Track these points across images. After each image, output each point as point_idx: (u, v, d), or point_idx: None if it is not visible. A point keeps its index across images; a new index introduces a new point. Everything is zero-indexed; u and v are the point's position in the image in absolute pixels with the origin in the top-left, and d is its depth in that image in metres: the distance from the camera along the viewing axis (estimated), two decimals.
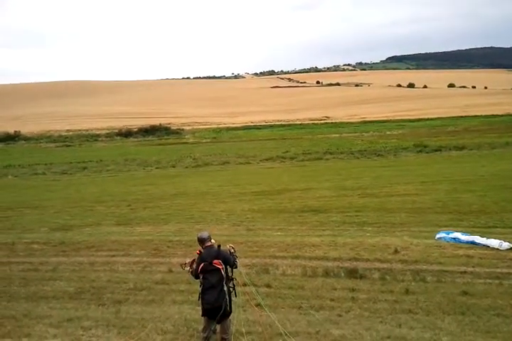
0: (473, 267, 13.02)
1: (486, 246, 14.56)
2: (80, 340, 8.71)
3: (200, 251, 8.36)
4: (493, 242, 14.57)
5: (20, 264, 15.57)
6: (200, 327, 8.60)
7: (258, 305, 9.68)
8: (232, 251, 8.53)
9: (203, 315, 8.28)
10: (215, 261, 8.07)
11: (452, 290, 11.26)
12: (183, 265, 8.69)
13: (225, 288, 8.04)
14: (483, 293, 11.04)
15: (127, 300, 11.59)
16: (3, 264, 15.66)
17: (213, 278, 8.02)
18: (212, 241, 8.50)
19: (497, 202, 21.38)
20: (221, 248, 8.34)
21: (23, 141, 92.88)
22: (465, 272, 12.67)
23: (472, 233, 15.78)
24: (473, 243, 14.92)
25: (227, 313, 8.15)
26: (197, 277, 8.29)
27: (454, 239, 15.34)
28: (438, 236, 15.80)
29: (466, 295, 10.92)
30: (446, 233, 15.84)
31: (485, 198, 22.48)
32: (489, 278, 12.10)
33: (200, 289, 8.18)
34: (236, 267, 8.45)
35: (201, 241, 8.44)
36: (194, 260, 8.39)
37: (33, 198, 31.83)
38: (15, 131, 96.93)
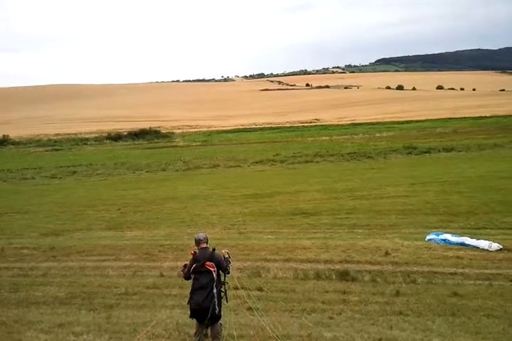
0: (463, 268, 13.10)
1: (476, 248, 14.65)
2: None
3: (194, 251, 8.39)
4: (483, 243, 14.66)
5: (10, 270, 15.48)
6: (192, 332, 8.60)
7: (250, 308, 9.69)
8: (227, 256, 8.57)
9: (190, 317, 8.29)
10: (208, 263, 8.10)
11: (442, 292, 11.33)
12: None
13: (215, 291, 8.05)
14: (473, 294, 11.11)
15: (118, 305, 11.55)
16: None
17: (204, 279, 8.05)
18: (208, 244, 8.54)
19: (486, 203, 21.55)
20: (215, 251, 8.37)
21: (12, 146, 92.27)
22: (455, 273, 12.75)
23: (462, 234, 15.88)
24: (463, 244, 15.01)
25: (216, 317, 8.15)
26: (188, 278, 8.31)
27: (444, 240, 15.43)
28: (428, 237, 15.88)
29: (456, 297, 10.99)
30: (436, 234, 15.93)
31: (474, 199, 22.65)
32: (479, 279, 12.18)
33: (190, 290, 8.22)
34: (228, 273, 8.47)
35: (197, 241, 8.50)
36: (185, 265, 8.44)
37: (23, 203, 31.63)
38: (3, 136, 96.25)
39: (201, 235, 8.62)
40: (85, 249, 17.49)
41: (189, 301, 8.18)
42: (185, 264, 8.52)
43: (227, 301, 8.50)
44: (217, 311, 8.06)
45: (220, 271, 8.29)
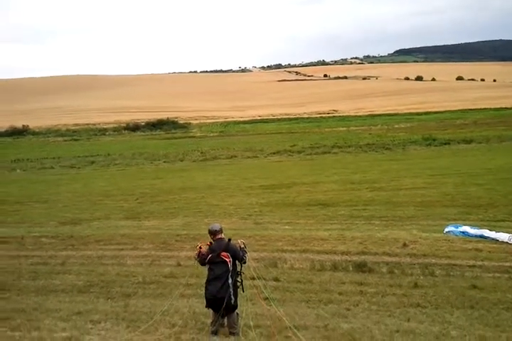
0: (482, 261, 12.96)
1: (495, 240, 14.48)
2: (89, 334, 8.74)
3: (210, 242, 8.38)
4: (503, 236, 14.49)
5: (30, 258, 15.67)
6: (209, 321, 8.62)
7: (266, 298, 9.69)
8: (243, 246, 8.54)
9: (206, 307, 8.33)
10: (224, 253, 8.10)
11: (461, 284, 11.23)
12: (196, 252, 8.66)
13: (230, 281, 8.06)
14: (492, 287, 11.00)
15: (136, 294, 11.64)
16: (13, 258, 15.77)
17: (219, 269, 8.06)
18: (223, 234, 8.52)
19: (505, 195, 21.26)
20: (231, 241, 8.36)
21: (31, 136, 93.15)
22: (474, 266, 12.63)
23: (481, 226, 15.71)
24: (482, 237, 14.85)
25: (232, 307, 8.17)
26: (203, 264, 8.32)
27: (463, 232, 15.27)
28: (447, 229, 15.73)
29: (475, 289, 10.89)
30: (454, 227, 15.77)
31: (493, 191, 22.36)
32: (498, 272, 12.06)
33: (206, 280, 8.24)
34: (245, 262, 8.46)
35: (212, 233, 8.45)
36: (200, 251, 8.39)
37: (42, 192, 31.98)
38: (23, 126, 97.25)
39: (216, 226, 8.56)
40: (103, 238, 17.63)
41: (205, 291, 8.21)
42: (200, 247, 8.47)
43: (243, 291, 8.51)
44: (232, 301, 8.08)
45: (237, 261, 8.28)
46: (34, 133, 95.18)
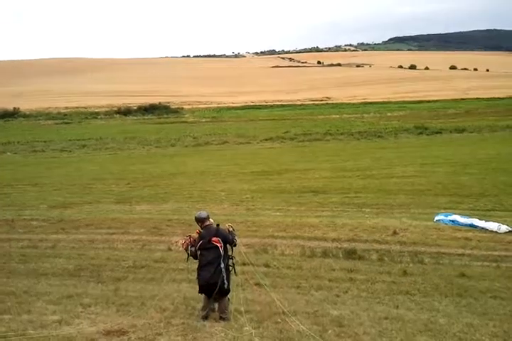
0: (471, 249, 13.09)
1: (485, 229, 14.60)
2: (79, 317, 8.74)
3: (199, 231, 8.37)
4: (492, 225, 14.61)
5: (20, 241, 15.62)
6: (199, 306, 8.65)
7: (257, 284, 9.73)
8: (231, 229, 8.55)
9: (199, 292, 8.36)
10: (214, 238, 8.12)
11: (450, 272, 11.34)
12: (183, 244, 8.67)
13: (222, 266, 8.09)
14: (481, 276, 11.11)
15: (126, 278, 11.65)
16: (3, 241, 15.72)
17: (210, 255, 8.08)
18: (211, 220, 8.51)
19: (496, 185, 21.39)
20: (220, 227, 8.37)
21: (22, 118, 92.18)
22: (463, 254, 12.75)
23: (471, 216, 15.83)
24: (471, 225, 14.96)
25: (224, 291, 8.21)
26: (195, 256, 8.34)
27: (453, 221, 15.37)
28: (437, 218, 15.82)
29: (464, 278, 11.00)
30: (445, 215, 15.86)
31: (484, 181, 22.48)
32: (487, 261, 12.18)
33: (197, 266, 8.25)
34: (235, 245, 8.49)
35: (200, 220, 8.44)
36: (190, 240, 8.40)
37: (32, 175, 31.80)
38: (14, 108, 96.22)
39: (203, 213, 8.54)
40: (94, 222, 17.60)
41: (197, 277, 8.23)
42: (185, 242, 8.48)
43: (236, 274, 8.55)
44: (225, 285, 8.14)
45: (227, 246, 8.30)
46: (25, 116, 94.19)
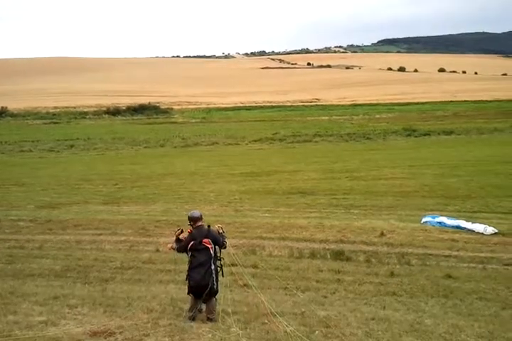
0: (457, 251, 13.18)
1: (471, 231, 14.71)
2: (65, 318, 8.67)
3: (190, 230, 8.36)
4: (478, 227, 14.72)
5: (7, 241, 15.50)
6: (186, 307, 8.63)
7: (244, 285, 9.73)
8: (221, 231, 8.55)
9: (188, 293, 8.34)
10: (205, 240, 8.11)
11: (436, 274, 11.41)
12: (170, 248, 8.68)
13: (213, 267, 8.10)
14: (467, 277, 11.19)
15: (114, 279, 11.60)
16: None
17: (202, 256, 8.07)
18: (203, 220, 8.51)
19: (483, 187, 21.57)
20: (211, 228, 8.37)
21: (10, 118, 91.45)
22: (449, 256, 12.83)
23: (458, 217, 15.95)
24: (458, 227, 15.07)
25: (214, 292, 8.22)
26: (180, 251, 8.33)
27: (440, 223, 15.48)
28: (424, 220, 15.93)
29: (450, 279, 11.07)
30: (432, 217, 15.97)
31: (471, 183, 22.66)
32: (473, 262, 12.27)
33: (188, 267, 8.24)
34: (225, 247, 8.48)
35: (193, 220, 8.42)
36: (179, 237, 8.40)
37: (20, 175, 31.57)
38: (2, 107, 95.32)
39: (196, 213, 8.52)
40: (81, 223, 17.51)
41: (188, 279, 8.21)
42: (181, 230, 8.48)
43: (223, 276, 8.55)
44: (215, 286, 8.14)
45: (217, 247, 8.30)
46: (13, 115, 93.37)
